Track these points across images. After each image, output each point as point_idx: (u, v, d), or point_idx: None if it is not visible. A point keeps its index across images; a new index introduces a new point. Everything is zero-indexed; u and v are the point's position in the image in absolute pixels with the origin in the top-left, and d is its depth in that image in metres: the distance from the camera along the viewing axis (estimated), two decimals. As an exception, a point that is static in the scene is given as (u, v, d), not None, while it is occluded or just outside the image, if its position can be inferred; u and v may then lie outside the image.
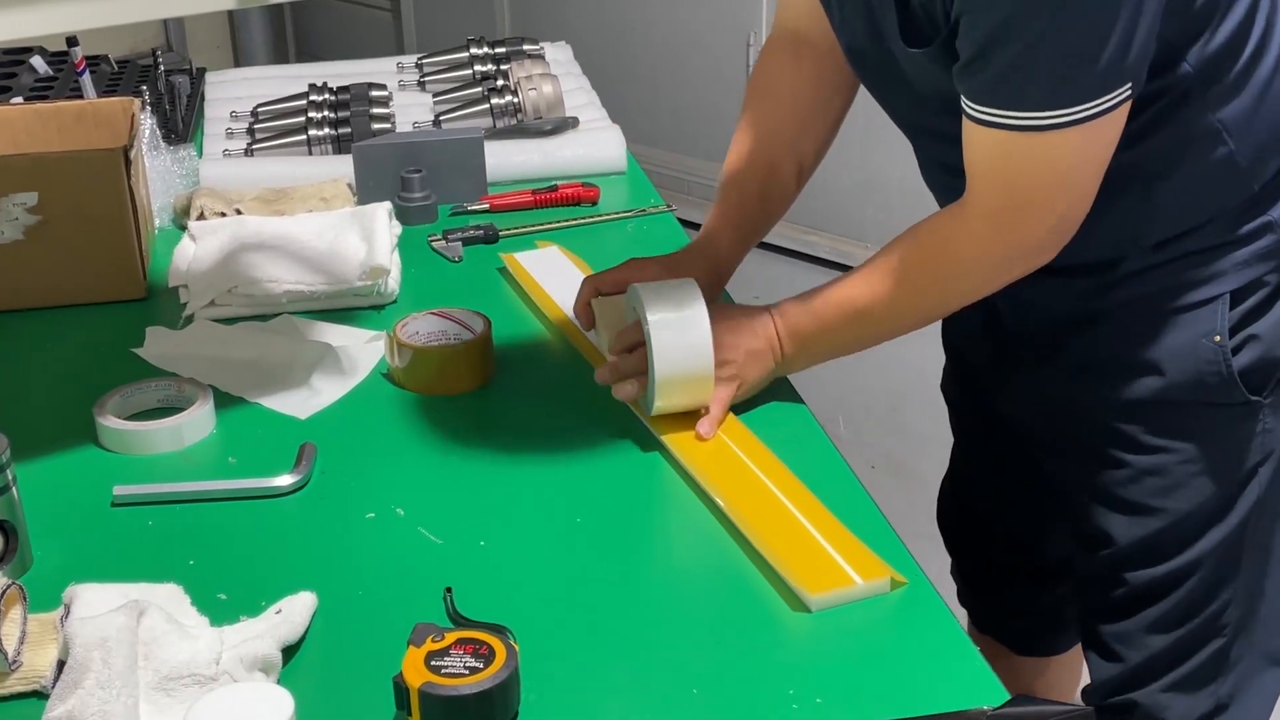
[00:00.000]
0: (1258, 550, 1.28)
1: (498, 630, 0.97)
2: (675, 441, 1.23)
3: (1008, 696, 0.94)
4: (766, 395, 1.32)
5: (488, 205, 1.75)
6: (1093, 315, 1.24)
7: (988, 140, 1.10)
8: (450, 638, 0.94)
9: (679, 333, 1.20)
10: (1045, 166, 1.10)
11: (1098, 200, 1.14)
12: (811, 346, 1.26)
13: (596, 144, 1.88)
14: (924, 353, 3.18)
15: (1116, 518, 1.27)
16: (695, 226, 1.41)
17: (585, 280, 1.37)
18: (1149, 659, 1.29)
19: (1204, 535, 1.25)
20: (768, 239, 1.45)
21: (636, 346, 1.25)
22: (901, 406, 2.94)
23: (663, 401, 1.22)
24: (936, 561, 1.43)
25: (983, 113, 1.09)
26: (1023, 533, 1.52)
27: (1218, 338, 1.20)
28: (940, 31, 1.10)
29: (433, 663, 0.92)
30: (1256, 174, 1.18)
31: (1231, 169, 1.16)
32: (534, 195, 1.77)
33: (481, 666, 0.92)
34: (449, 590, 1.05)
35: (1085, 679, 1.57)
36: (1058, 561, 1.50)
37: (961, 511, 1.57)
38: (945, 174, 1.27)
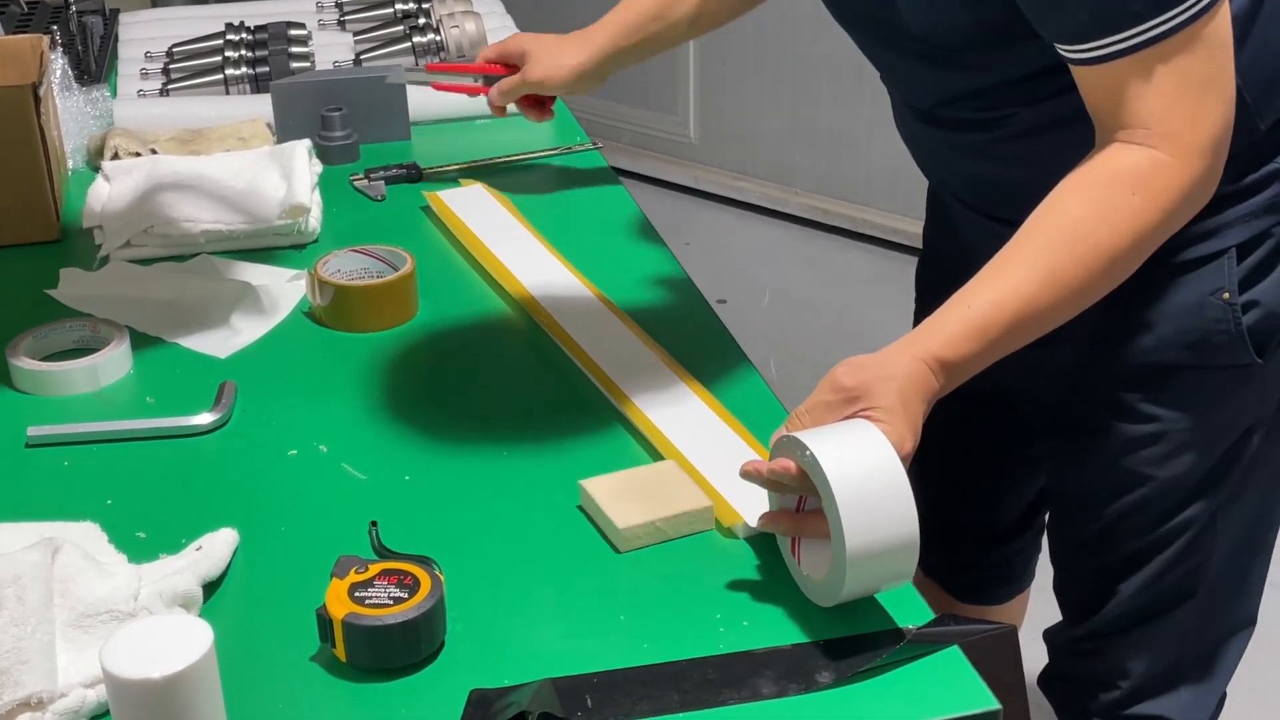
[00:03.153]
0: (1238, 516, 1.24)
1: (423, 561, 0.96)
2: (600, 374, 1.23)
3: (932, 617, 0.95)
4: (700, 337, 1.32)
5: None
6: None
7: (1125, 72, 1.00)
8: (374, 569, 0.93)
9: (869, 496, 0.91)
10: (1193, 67, 0.99)
11: (1045, 148, 1.09)
12: (974, 369, 1.05)
13: (521, 82, 1.86)
14: (858, 294, 3.22)
15: (1104, 487, 1.24)
16: (624, 173, 1.40)
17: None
18: (1120, 615, 1.28)
19: (1192, 504, 1.21)
20: (694, 185, 1.43)
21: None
22: (834, 350, 2.96)
23: (851, 587, 0.92)
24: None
25: (1093, 49, 0.99)
26: (983, 493, 1.48)
27: (1226, 295, 1.14)
28: None
29: (356, 594, 0.91)
30: (1262, 111, 1.11)
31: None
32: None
33: (406, 597, 0.91)
34: (374, 524, 1.04)
35: (1029, 625, 1.59)
36: (1014, 521, 1.49)
37: (918, 466, 1.46)
38: (916, 119, 1.22)
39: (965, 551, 1.53)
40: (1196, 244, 1.14)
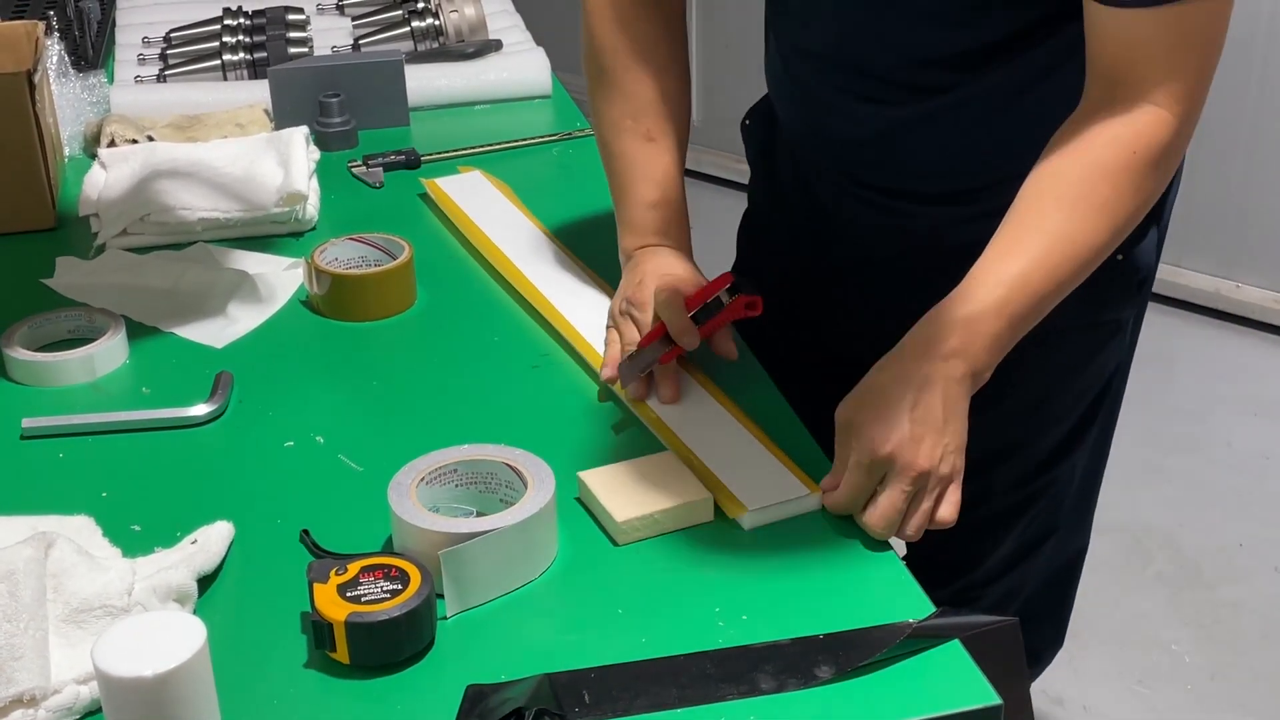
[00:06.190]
0: (1086, 453, 1.30)
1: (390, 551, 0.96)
2: (601, 363, 1.22)
3: (933, 609, 0.94)
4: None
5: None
6: (971, 244, 1.11)
7: (1147, 22, 1.00)
8: (352, 568, 0.92)
9: None
10: (1207, 28, 1.01)
11: (978, 118, 1.13)
12: (1006, 347, 1.06)
13: (520, 67, 1.85)
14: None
15: (982, 453, 1.21)
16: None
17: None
18: (996, 564, 1.34)
19: (1066, 457, 1.26)
20: (696, 168, 1.43)
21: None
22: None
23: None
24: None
25: None
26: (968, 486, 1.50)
27: (1120, 256, 1.15)
28: None
29: (349, 594, 0.90)
30: None
31: None
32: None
33: (401, 588, 0.90)
34: (305, 532, 1.02)
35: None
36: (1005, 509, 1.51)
37: None
38: (803, 61, 1.24)
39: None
40: None
